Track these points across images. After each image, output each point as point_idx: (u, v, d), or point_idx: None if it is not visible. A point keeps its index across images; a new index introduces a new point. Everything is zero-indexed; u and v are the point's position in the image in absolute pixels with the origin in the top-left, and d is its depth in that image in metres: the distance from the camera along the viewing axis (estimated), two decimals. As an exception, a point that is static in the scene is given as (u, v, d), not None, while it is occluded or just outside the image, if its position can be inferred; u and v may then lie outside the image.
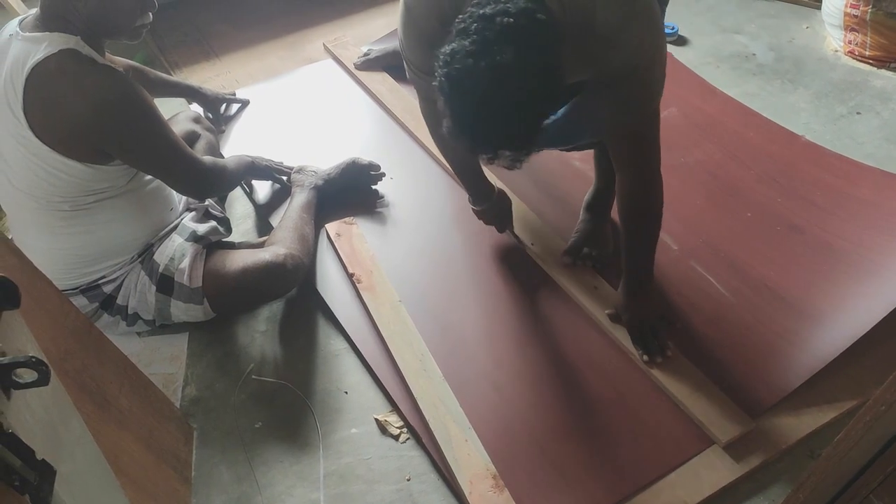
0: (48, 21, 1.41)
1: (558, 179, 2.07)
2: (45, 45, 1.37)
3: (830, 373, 1.53)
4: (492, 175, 1.96)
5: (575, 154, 2.12)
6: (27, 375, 0.63)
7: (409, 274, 1.82)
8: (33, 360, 0.60)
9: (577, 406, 1.53)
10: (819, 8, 2.77)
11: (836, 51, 2.64)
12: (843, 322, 1.63)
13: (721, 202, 1.96)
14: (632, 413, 1.51)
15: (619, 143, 1.45)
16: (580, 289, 1.74)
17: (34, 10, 1.46)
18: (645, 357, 1.57)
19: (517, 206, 1.91)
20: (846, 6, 2.51)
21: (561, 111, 1.54)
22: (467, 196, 1.80)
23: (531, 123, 1.15)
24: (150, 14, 1.50)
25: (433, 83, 1.13)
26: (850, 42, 2.58)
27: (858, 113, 2.35)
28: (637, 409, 1.51)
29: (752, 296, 1.71)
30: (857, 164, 2.05)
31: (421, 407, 1.50)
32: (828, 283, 1.72)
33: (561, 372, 1.60)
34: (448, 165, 1.90)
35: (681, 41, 2.75)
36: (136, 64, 1.98)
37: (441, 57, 1.11)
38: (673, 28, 2.73)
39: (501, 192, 1.82)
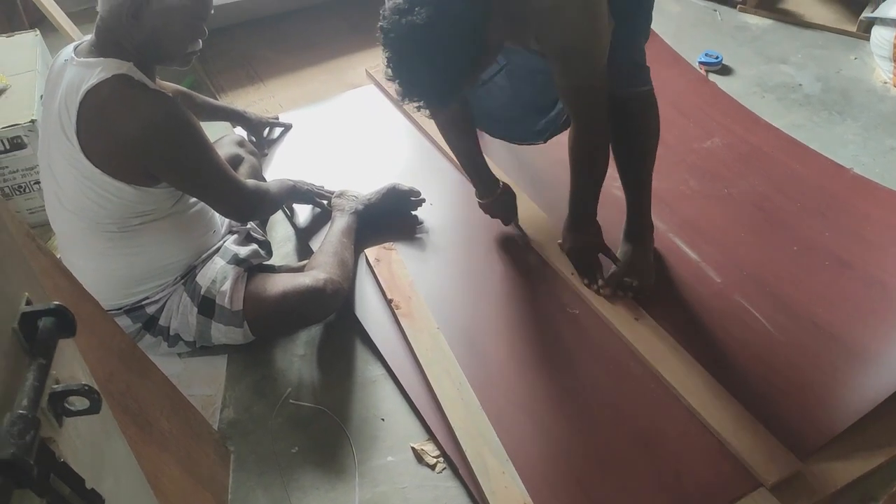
0: (103, 47, 1.44)
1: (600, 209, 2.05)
2: (98, 70, 1.41)
3: (881, 414, 1.48)
4: (504, 174, 2.03)
5: (616, 182, 2.10)
6: (79, 403, 0.63)
7: (448, 301, 1.82)
8: (86, 388, 0.61)
9: (617, 440, 1.50)
10: (867, 39, 2.73)
11: (885, 82, 2.60)
12: (895, 361, 1.58)
13: (766, 235, 1.92)
14: (674, 450, 1.47)
15: (566, 98, 1.61)
16: (620, 320, 1.71)
17: (89, 36, 1.50)
18: (586, 281, 1.77)
19: (557, 235, 1.90)
20: (895, 37, 2.47)
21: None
22: (474, 191, 1.93)
23: (445, 77, 1.36)
24: (200, 41, 1.53)
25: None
26: (899, 74, 2.54)
27: (909, 146, 2.30)
28: (679, 446, 1.48)
29: (798, 332, 1.67)
30: (908, 199, 2.00)
31: (458, 436, 1.49)
32: (878, 321, 1.67)
33: (601, 404, 1.57)
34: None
35: (725, 70, 2.72)
36: (184, 89, 2.02)
37: (381, 12, 1.35)
38: (717, 57, 2.71)
39: (506, 187, 1.92)
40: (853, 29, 2.87)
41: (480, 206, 1.93)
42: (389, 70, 1.37)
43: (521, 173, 2.18)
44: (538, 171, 2.19)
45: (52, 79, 1.51)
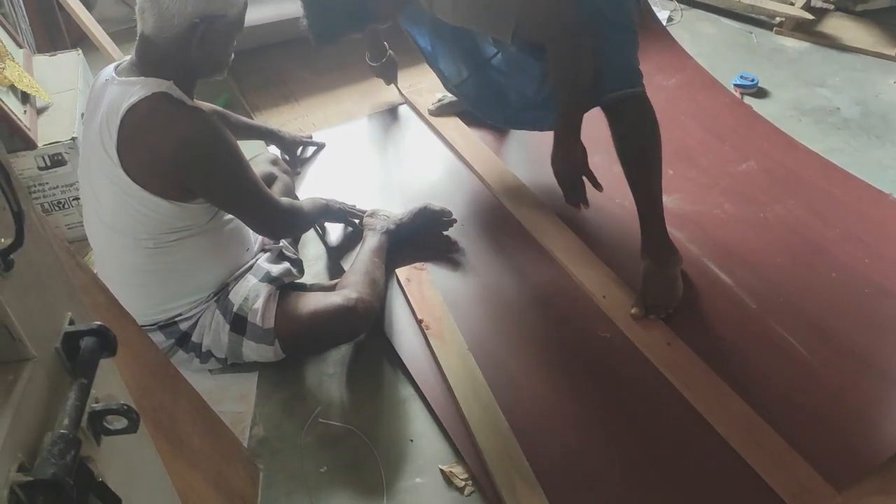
0: (144, 67, 1.47)
1: (621, 228, 2.03)
2: (138, 88, 1.43)
3: (924, 447, 1.44)
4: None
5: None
6: (117, 422, 0.63)
7: (479, 322, 1.81)
8: (125, 407, 0.61)
9: (650, 470, 1.48)
10: (907, 62, 2.69)
11: (926, 107, 2.55)
12: (938, 394, 1.54)
13: (803, 261, 1.89)
14: (706, 479, 1.45)
15: (526, 37, 1.75)
16: (652, 345, 1.69)
17: (128, 57, 1.53)
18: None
19: (590, 258, 1.89)
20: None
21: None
22: (367, 55, 2.48)
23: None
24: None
25: None
26: (940, 97, 2.49)
27: (950, 172, 2.25)
28: (714, 478, 1.45)
29: (837, 360, 1.63)
30: (950, 226, 1.96)
31: (486, 459, 1.48)
32: (920, 351, 1.63)
33: (633, 433, 1.55)
34: (518, 215, 2.02)
35: (761, 93, 2.70)
36: (219, 108, 2.05)
37: None
38: (753, 80, 2.69)
39: (391, 56, 2.50)
40: (892, 53, 2.83)
41: (371, 69, 2.52)
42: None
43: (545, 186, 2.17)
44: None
45: (93, 97, 1.54)
